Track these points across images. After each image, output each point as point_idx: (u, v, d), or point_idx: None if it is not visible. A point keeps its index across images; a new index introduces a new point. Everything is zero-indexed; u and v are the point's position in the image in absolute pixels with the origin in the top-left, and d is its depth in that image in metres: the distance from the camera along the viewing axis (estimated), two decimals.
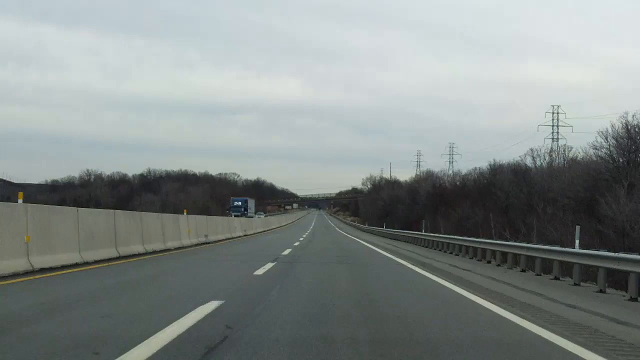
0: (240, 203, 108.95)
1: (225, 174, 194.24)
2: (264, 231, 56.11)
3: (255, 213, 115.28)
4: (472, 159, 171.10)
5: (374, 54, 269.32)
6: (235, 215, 68.60)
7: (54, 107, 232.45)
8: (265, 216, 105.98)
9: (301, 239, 40.97)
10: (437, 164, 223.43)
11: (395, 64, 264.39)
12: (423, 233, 40.96)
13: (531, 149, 62.42)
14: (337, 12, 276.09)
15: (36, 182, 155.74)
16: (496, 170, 60.32)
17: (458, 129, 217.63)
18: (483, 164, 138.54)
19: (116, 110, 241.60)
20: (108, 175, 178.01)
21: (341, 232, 66.83)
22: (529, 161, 56.15)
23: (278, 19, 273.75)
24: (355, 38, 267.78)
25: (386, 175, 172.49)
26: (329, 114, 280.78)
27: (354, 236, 51.58)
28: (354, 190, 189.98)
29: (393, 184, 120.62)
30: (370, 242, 38.87)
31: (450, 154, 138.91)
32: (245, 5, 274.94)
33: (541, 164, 53.73)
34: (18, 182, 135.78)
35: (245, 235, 44.16)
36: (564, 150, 56.76)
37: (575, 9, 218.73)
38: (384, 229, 65.51)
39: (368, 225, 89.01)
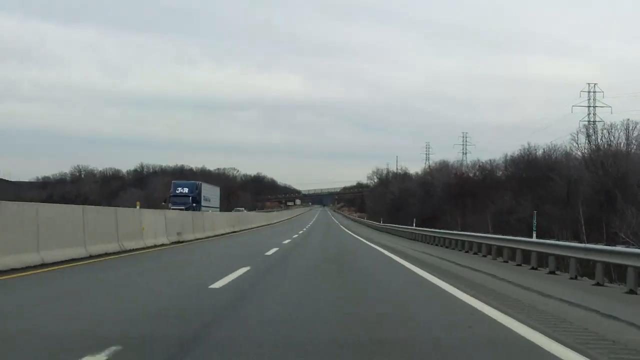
0: (186, 190, 67.86)
1: (224, 169, 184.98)
2: (235, 232, 42.95)
3: (237, 209, 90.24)
4: (479, 152, 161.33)
5: (374, 49, 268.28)
6: (178, 209, 45.11)
7: (53, 103, 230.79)
8: (258, 211, 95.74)
9: (285, 242, 31.09)
10: (441, 157, 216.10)
11: (396, 59, 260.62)
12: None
13: (585, 126, 51.56)
14: (337, 7, 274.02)
15: (28, 180, 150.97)
16: (532, 156, 50.00)
17: (459, 124, 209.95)
18: (495, 156, 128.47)
19: (116, 106, 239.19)
20: (100, 171, 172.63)
21: (347, 231, 56.00)
22: (581, 141, 45.17)
23: (278, 14, 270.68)
24: (355, 33, 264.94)
25: (393, 169, 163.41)
26: (329, 110, 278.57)
27: (369, 240, 38.19)
28: (359, 186, 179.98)
29: (403, 176, 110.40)
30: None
31: (463, 144, 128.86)
32: (245, 1, 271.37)
33: (601, 143, 42.63)
34: (14, 180, 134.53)
35: (233, 232, 39.46)
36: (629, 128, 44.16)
37: (578, 4, 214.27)
38: (416, 228, 44.13)
39: (382, 223, 70.66)
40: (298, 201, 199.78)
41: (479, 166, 76.49)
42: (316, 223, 74.80)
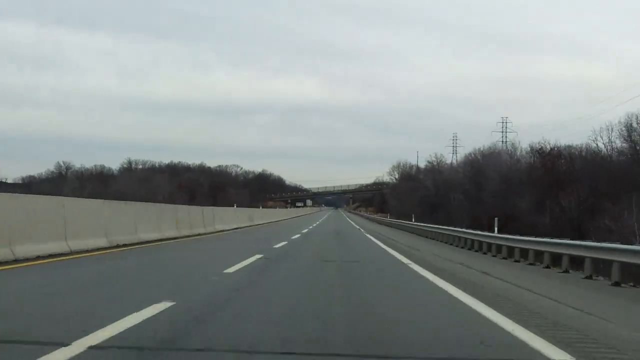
0: None
1: (226, 166, 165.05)
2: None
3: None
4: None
5: (390, 52, 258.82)
6: None
7: (69, 109, 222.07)
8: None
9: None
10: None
11: (412, 62, 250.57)
12: None
13: None
14: (353, 11, 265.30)
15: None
16: None
17: (476, 126, 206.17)
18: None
19: (131, 111, 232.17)
20: (87, 169, 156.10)
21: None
22: None
23: (294, 18, 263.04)
24: (371, 37, 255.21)
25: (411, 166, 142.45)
26: (345, 114, 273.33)
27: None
28: (377, 183, 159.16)
29: (432, 170, 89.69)
30: None
31: (503, 131, 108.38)
32: (261, 6, 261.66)
33: None
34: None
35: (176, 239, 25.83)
36: None
37: (595, 5, 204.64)
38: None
39: (421, 224, 48.44)
40: (309, 202, 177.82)
41: (550, 150, 55.57)
42: (315, 234, 54.71)
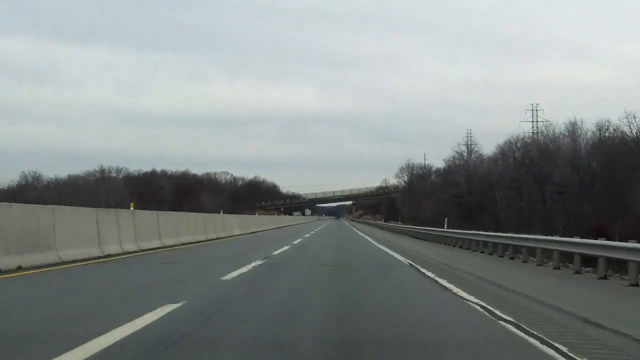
0: None
1: (215, 173, 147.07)
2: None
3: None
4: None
5: (387, 59, 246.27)
6: None
7: (69, 123, 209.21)
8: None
9: None
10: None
11: (410, 68, 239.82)
12: None
13: None
14: (351, 18, 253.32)
15: None
16: None
17: (475, 131, 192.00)
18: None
19: (130, 125, 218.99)
20: (61, 178, 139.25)
21: None
22: None
23: (291, 28, 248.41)
24: (368, 44, 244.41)
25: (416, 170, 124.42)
26: (344, 121, 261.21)
27: None
28: (381, 188, 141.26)
29: (473, 161, 71.33)
30: None
31: (534, 120, 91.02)
32: (257, 17, 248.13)
33: None
34: None
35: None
36: None
37: (597, 8, 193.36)
38: None
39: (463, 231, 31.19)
40: (308, 211, 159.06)
41: None
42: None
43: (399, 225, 64.57)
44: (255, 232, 46.16)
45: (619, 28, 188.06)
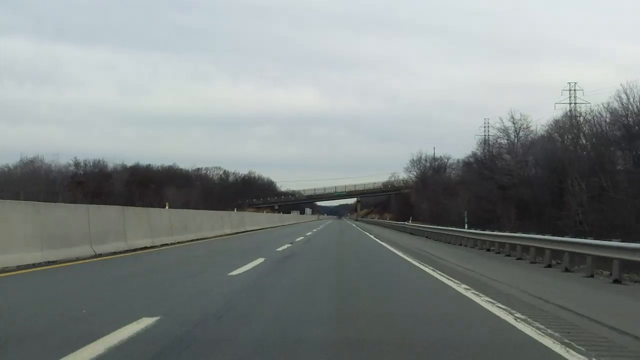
0: None
1: (207, 168, 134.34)
2: None
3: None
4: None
5: (389, 60, 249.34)
6: None
7: (70, 124, 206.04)
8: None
9: None
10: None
11: (411, 69, 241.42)
12: None
13: None
14: (352, 20, 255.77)
15: None
16: None
17: (477, 132, 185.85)
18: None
19: (132, 126, 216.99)
20: None
21: None
22: None
23: (292, 29, 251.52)
24: (370, 45, 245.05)
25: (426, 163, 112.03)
26: (345, 122, 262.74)
27: None
28: (389, 184, 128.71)
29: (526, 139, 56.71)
30: None
31: (571, 102, 79.06)
32: (258, 18, 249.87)
33: None
34: None
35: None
36: None
37: (595, 9, 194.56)
38: None
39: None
40: (308, 210, 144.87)
41: None
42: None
43: (424, 226, 48.60)
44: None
45: None
